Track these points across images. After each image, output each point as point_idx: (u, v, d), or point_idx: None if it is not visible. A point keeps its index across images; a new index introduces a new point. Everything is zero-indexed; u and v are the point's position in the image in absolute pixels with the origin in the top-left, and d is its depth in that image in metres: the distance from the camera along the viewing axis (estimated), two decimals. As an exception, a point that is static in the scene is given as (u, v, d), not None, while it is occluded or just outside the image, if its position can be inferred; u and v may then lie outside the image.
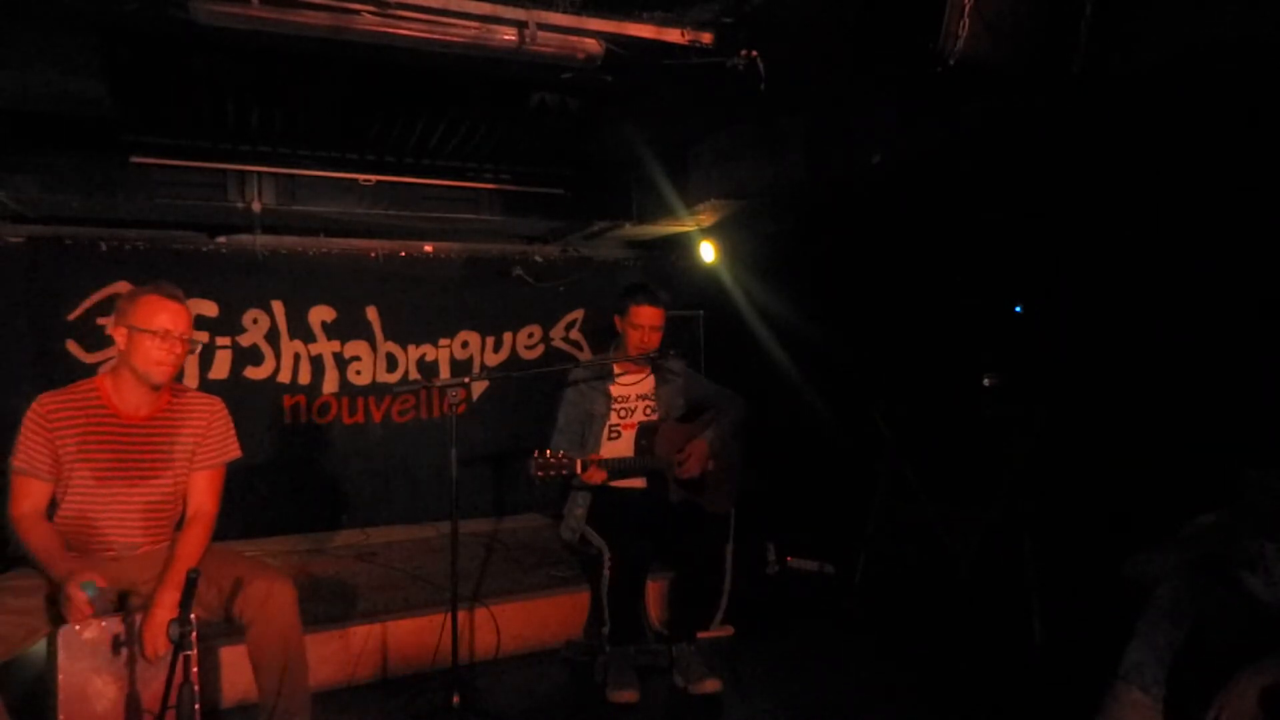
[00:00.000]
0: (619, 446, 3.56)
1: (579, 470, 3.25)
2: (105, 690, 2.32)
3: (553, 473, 3.20)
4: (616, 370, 3.62)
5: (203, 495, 2.62)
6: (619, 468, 3.41)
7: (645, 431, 3.55)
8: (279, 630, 2.47)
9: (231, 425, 2.71)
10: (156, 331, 2.45)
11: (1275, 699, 2.10)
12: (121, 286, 4.56)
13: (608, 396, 3.58)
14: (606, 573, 3.30)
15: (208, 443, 2.63)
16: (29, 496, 2.43)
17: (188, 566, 2.21)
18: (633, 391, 3.63)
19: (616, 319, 3.60)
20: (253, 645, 2.49)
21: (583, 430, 3.54)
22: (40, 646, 2.35)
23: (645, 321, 3.48)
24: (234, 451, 2.71)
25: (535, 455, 3.21)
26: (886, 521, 4.32)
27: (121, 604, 2.47)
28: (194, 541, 2.53)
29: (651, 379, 3.67)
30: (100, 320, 4.52)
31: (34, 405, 2.45)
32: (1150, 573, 2.51)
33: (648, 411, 3.63)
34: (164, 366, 2.48)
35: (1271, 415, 2.90)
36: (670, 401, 3.66)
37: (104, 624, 2.37)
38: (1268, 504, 2.48)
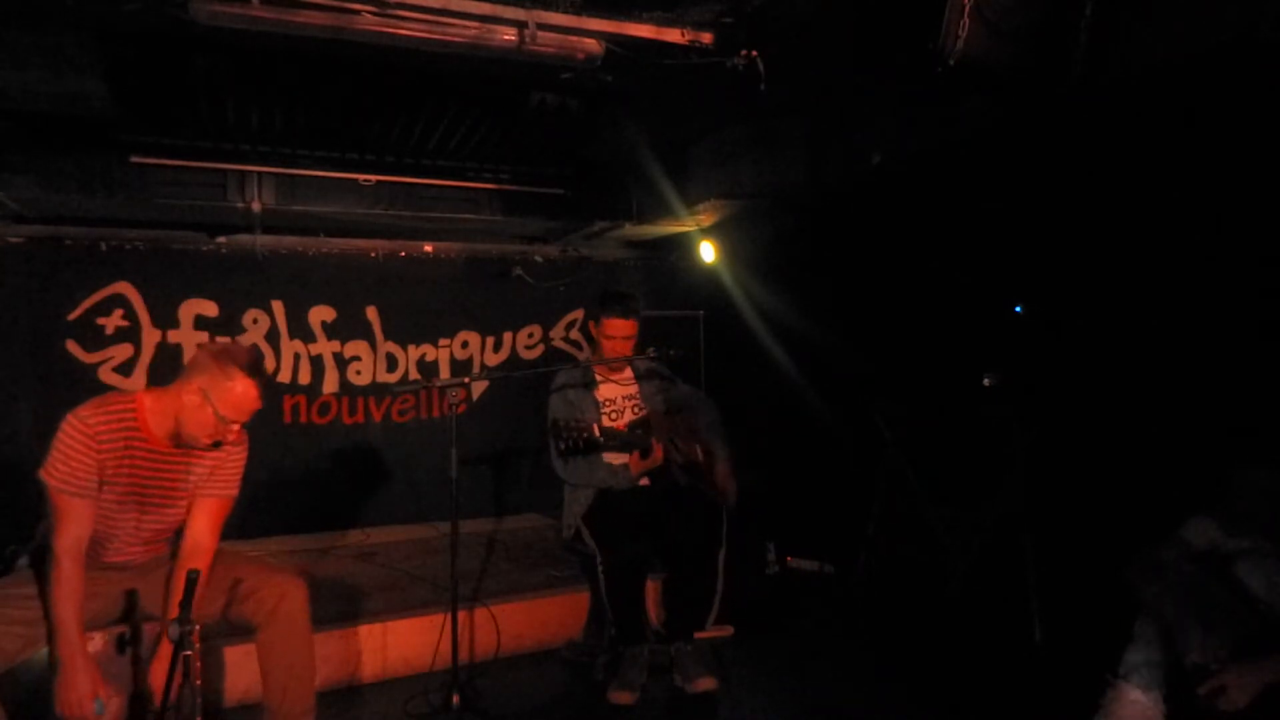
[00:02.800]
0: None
1: (596, 433, 3.28)
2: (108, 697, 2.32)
3: (574, 439, 3.23)
4: (598, 376, 3.69)
5: (204, 527, 2.50)
6: (627, 438, 3.48)
7: (639, 424, 3.62)
8: (291, 633, 2.45)
9: (243, 466, 2.60)
10: (230, 420, 2.37)
11: (1270, 695, 2.10)
12: (121, 286, 4.57)
13: (596, 401, 3.64)
14: (600, 575, 3.34)
15: (220, 474, 2.53)
16: (76, 521, 2.27)
17: None
18: (619, 393, 3.70)
19: (591, 325, 3.69)
20: (263, 648, 2.46)
21: None
22: (43, 649, 2.32)
23: (616, 333, 3.55)
24: (236, 490, 2.60)
25: (553, 425, 3.27)
26: (886, 521, 4.31)
27: (129, 607, 2.46)
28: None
29: (632, 378, 3.75)
30: (100, 320, 4.51)
31: (77, 422, 2.26)
32: (1150, 573, 2.52)
33: (635, 410, 3.69)
34: (206, 440, 2.39)
35: (1268, 415, 2.90)
36: (652, 398, 3.74)
37: (108, 633, 2.37)
38: (1263, 505, 2.48)
